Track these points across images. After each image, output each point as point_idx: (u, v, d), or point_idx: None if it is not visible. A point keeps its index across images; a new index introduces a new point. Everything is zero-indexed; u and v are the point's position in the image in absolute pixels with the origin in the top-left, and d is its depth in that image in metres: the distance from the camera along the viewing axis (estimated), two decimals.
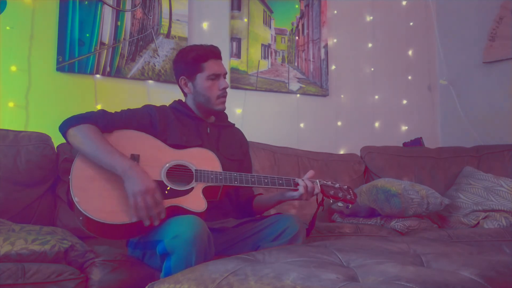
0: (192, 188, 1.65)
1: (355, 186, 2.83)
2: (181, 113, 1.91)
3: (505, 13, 3.28)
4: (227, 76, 2.98)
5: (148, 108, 1.86)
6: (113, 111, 1.80)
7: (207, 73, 1.87)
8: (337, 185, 1.83)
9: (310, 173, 1.81)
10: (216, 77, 1.88)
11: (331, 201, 1.78)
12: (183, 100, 1.99)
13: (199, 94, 1.89)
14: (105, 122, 1.72)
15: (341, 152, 3.30)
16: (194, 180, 1.67)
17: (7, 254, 1.57)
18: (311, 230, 1.80)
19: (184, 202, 1.60)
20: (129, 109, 1.83)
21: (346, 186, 1.86)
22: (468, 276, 1.06)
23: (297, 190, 1.74)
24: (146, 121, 1.80)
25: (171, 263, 1.46)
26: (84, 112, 1.75)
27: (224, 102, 1.91)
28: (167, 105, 1.96)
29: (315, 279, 1.04)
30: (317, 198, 1.79)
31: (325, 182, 1.82)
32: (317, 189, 1.77)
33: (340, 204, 1.78)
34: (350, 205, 1.81)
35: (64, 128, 1.69)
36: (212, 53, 1.90)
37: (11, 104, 2.47)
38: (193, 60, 1.88)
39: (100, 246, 1.84)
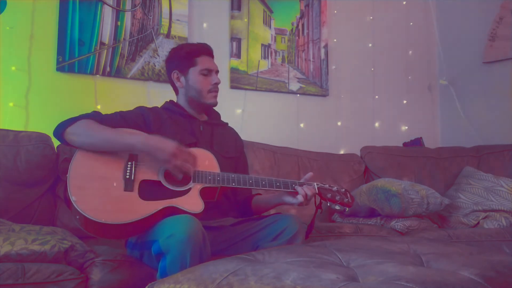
0: (190, 188, 1.65)
1: (355, 186, 2.83)
2: (173, 112, 1.92)
3: (505, 13, 3.28)
4: (227, 76, 3.04)
5: (140, 109, 1.88)
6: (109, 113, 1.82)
7: (200, 67, 1.91)
8: (334, 188, 1.83)
9: (309, 175, 1.81)
10: (208, 72, 1.92)
11: (329, 204, 1.79)
12: (175, 101, 2.00)
13: (191, 88, 1.91)
14: (100, 119, 1.73)
15: (341, 152, 3.30)
16: (191, 180, 1.67)
17: (7, 254, 1.57)
18: (310, 232, 1.80)
19: (181, 203, 1.60)
20: (121, 111, 1.84)
21: (343, 189, 1.86)
22: (468, 276, 1.06)
23: (296, 193, 1.74)
24: (140, 121, 1.81)
25: (166, 262, 1.46)
26: (83, 113, 1.75)
27: (215, 97, 1.93)
28: (159, 106, 1.97)
29: (315, 279, 1.04)
30: (315, 201, 1.79)
31: (322, 184, 1.81)
32: (315, 192, 1.77)
33: (337, 207, 1.78)
34: (347, 209, 1.82)
35: (60, 130, 1.68)
36: (205, 49, 1.96)
37: (11, 104, 2.47)
38: (186, 54, 1.93)
39: (100, 246, 1.84)
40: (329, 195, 1.78)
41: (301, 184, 1.76)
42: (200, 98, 1.91)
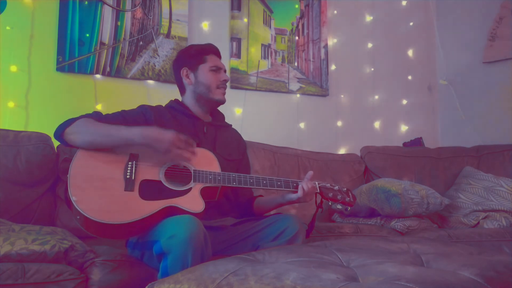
0: (190, 188, 1.65)
1: (355, 186, 2.83)
2: (177, 112, 1.92)
3: (505, 13, 3.28)
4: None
5: (142, 108, 1.88)
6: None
7: (209, 64, 1.94)
8: (336, 187, 1.83)
9: (309, 174, 1.81)
10: (217, 69, 1.95)
11: (330, 203, 1.79)
12: (180, 100, 2.00)
13: (200, 83, 1.93)
14: (99, 118, 1.73)
15: (341, 152, 3.30)
16: (192, 180, 1.67)
17: (7, 254, 1.57)
18: (310, 232, 1.80)
19: (181, 202, 1.60)
20: (123, 110, 1.84)
21: (345, 188, 1.87)
22: (468, 276, 1.06)
23: (296, 192, 1.75)
24: (141, 120, 1.81)
25: (167, 263, 1.46)
26: (83, 113, 1.75)
27: (224, 94, 1.96)
28: (163, 105, 1.97)
29: (315, 279, 1.04)
30: (315, 200, 1.80)
31: (324, 184, 1.82)
32: (316, 191, 1.78)
33: (339, 206, 1.78)
34: (349, 208, 1.81)
35: (60, 131, 1.68)
36: (214, 49, 2.01)
37: (11, 104, 2.47)
38: (196, 52, 1.97)
39: (100, 246, 1.84)
40: (330, 194, 1.78)
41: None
42: (209, 94, 1.93)
